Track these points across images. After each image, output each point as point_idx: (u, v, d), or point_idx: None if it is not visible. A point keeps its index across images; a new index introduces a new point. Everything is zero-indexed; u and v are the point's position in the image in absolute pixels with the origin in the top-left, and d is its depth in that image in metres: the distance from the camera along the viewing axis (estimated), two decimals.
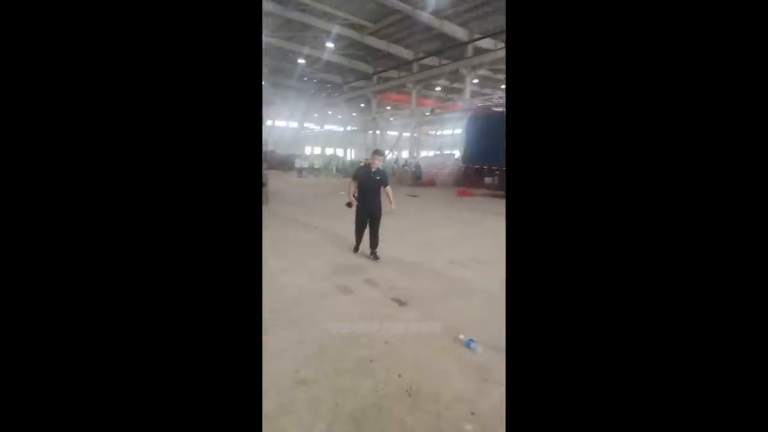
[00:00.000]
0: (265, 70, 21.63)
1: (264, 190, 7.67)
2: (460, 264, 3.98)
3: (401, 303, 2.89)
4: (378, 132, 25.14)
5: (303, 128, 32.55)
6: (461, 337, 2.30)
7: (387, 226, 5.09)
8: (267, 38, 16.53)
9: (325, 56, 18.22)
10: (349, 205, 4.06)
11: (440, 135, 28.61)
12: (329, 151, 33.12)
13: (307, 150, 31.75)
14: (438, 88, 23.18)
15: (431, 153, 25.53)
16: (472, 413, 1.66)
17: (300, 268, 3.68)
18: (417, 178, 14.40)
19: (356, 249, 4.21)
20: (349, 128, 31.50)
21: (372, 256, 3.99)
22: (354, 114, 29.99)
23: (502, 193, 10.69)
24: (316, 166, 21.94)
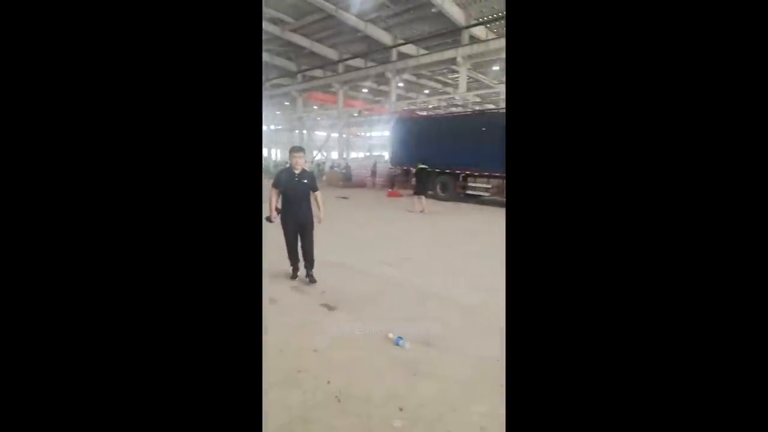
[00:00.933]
0: None
1: None
2: (389, 264, 4.05)
3: (330, 308, 2.84)
4: (305, 132, 24.46)
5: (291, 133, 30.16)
6: (390, 335, 2.33)
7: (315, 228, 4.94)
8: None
9: None
10: (269, 219, 3.16)
11: (369, 137, 28.95)
12: None
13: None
14: (365, 90, 23.43)
15: (361, 154, 25.70)
16: (401, 409, 1.68)
17: None
18: (347, 180, 14.36)
19: (294, 275, 3.38)
20: (273, 127, 30.01)
21: (308, 279, 3.29)
22: (278, 112, 28.70)
23: (430, 192, 11.26)
24: None
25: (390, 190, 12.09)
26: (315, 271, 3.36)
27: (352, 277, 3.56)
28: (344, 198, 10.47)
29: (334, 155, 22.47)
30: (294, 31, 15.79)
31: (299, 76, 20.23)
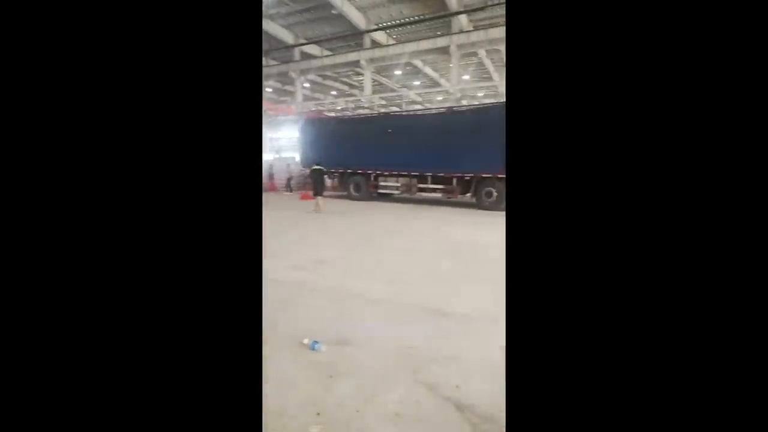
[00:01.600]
0: None
1: None
2: (301, 268, 3.94)
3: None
4: None
5: None
6: (305, 341, 2.27)
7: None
8: None
9: None
10: None
11: (277, 138, 27.66)
12: None
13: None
14: (269, 90, 22.32)
15: (270, 156, 24.36)
16: (318, 413, 1.66)
17: None
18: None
19: None
20: None
21: None
22: None
23: (344, 193, 11.28)
24: None
25: (303, 192, 11.76)
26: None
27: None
28: None
29: None
30: None
31: None
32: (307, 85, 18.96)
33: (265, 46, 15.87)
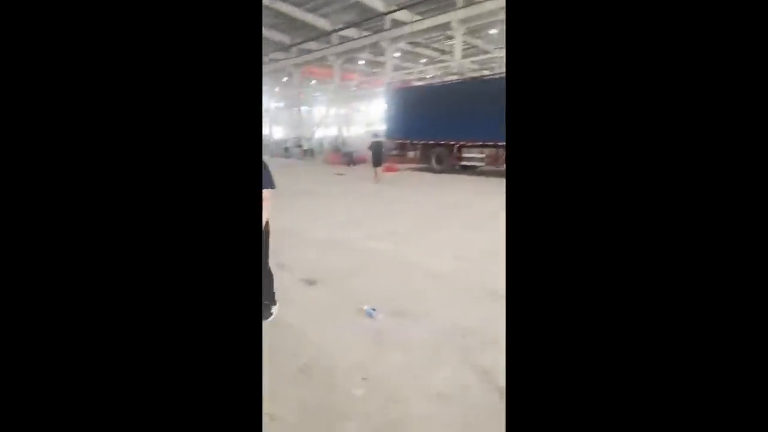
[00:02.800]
0: None
1: None
2: (376, 238, 4.09)
3: (310, 283, 2.90)
4: (305, 108, 24.04)
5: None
6: (364, 307, 2.39)
7: (302, 208, 4.97)
8: None
9: None
10: None
11: (369, 111, 28.38)
12: None
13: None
14: (362, 62, 22.71)
15: (362, 129, 25.26)
16: (364, 378, 1.75)
17: None
18: (346, 156, 14.20)
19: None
20: (274, 105, 29.48)
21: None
22: (276, 89, 28.10)
23: (425, 165, 11.13)
24: None
25: (385, 164, 11.97)
26: (299, 248, 3.45)
27: (339, 252, 3.61)
28: (341, 174, 10.44)
29: (334, 131, 22.16)
30: (283, 0, 15.15)
31: (294, 49, 19.61)
32: (397, 54, 18.67)
33: (357, 17, 16.02)
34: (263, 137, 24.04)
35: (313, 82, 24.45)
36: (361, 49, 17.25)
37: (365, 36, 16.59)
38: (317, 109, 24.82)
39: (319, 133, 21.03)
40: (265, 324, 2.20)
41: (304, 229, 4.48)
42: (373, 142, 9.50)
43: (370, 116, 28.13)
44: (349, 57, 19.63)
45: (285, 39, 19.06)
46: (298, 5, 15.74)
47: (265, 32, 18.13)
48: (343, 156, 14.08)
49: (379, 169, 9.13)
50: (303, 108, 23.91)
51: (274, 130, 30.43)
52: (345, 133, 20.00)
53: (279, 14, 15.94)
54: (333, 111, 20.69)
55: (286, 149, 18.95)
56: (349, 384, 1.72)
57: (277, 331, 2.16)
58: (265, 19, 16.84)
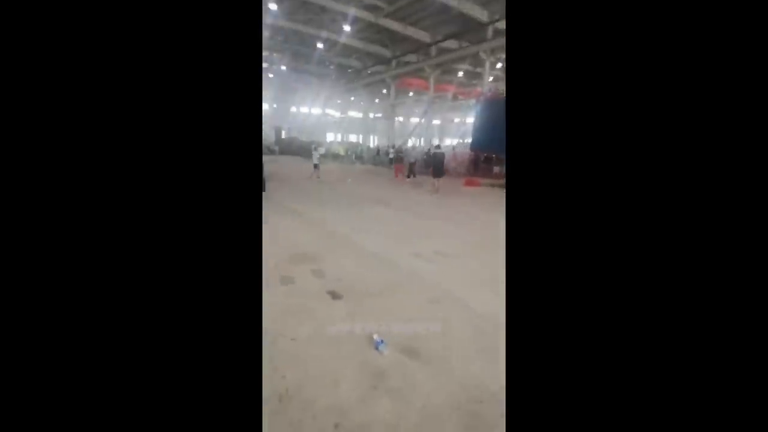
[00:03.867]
0: (285, 55, 21.65)
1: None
2: (423, 257, 3.76)
3: (335, 296, 2.75)
4: (401, 119, 24.67)
5: (325, 114, 32.58)
6: (375, 337, 2.13)
7: (367, 216, 4.92)
8: (285, 23, 16.46)
9: (343, 40, 17.92)
10: None
11: (464, 123, 27.69)
12: (353, 138, 33.04)
13: (329, 137, 31.78)
14: (460, 74, 22.28)
15: (455, 141, 24.79)
16: (336, 425, 1.50)
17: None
18: (427, 166, 13.92)
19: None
20: (372, 115, 31.07)
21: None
22: (377, 100, 29.52)
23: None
24: (341, 153, 21.81)
25: (467, 178, 11.31)
26: (344, 257, 3.32)
27: (373, 266, 3.40)
28: (407, 183, 10.27)
29: (423, 142, 22.15)
30: (387, 16, 15.79)
31: (393, 62, 20.30)
32: (499, 65, 17.75)
33: (458, 27, 15.75)
34: (360, 144, 25.86)
35: (411, 94, 24.92)
36: (460, 60, 16.87)
37: (464, 47, 16.20)
38: (413, 120, 25.19)
39: (410, 143, 21.24)
40: (266, 339, 2.11)
41: (348, 235, 4.41)
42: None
43: (462, 128, 27.43)
44: (447, 68, 19.41)
45: (386, 53, 19.88)
46: (400, 19, 16.24)
47: (367, 47, 19.21)
48: (409, 165, 13.77)
49: (438, 180, 9.02)
50: (398, 119, 24.54)
51: (371, 138, 32.12)
52: (434, 143, 19.84)
53: (382, 30, 16.69)
54: (425, 121, 20.64)
55: (374, 157, 19.64)
56: (317, 428, 1.49)
57: (278, 346, 2.06)
58: (367, 34, 17.86)
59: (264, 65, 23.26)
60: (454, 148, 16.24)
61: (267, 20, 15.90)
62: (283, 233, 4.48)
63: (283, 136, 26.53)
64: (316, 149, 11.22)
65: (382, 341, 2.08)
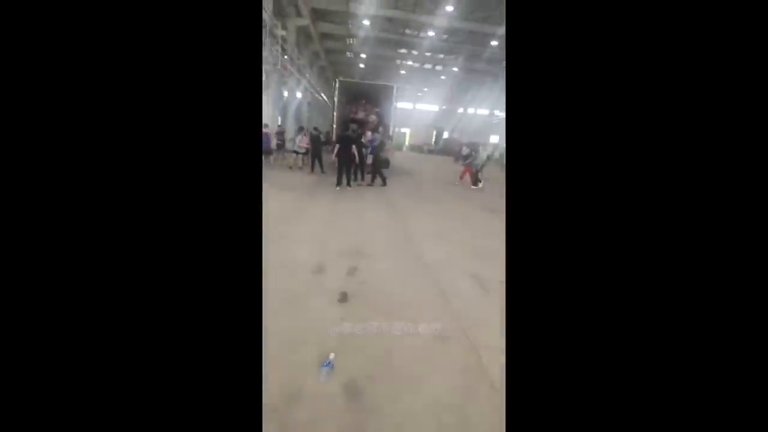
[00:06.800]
0: (459, 56, 21.67)
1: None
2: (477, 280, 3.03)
3: (341, 300, 2.54)
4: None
5: (492, 115, 31.10)
6: (332, 356, 1.84)
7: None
8: (460, 23, 16.42)
9: None
10: None
11: None
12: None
13: (493, 138, 30.22)
14: None
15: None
16: None
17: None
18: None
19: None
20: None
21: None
22: None
23: None
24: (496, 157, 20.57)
25: None
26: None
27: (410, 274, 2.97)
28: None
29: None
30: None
31: None
32: None
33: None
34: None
35: None
36: None
37: None
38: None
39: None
40: None
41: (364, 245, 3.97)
42: (465, 151, 9.77)
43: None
44: None
45: None
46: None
47: None
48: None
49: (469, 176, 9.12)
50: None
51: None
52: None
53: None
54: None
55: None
56: None
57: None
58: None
59: (437, 67, 23.98)
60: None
61: (443, 23, 16.22)
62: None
63: (445, 137, 26.93)
64: (470, 152, 9.66)
65: (330, 365, 1.77)
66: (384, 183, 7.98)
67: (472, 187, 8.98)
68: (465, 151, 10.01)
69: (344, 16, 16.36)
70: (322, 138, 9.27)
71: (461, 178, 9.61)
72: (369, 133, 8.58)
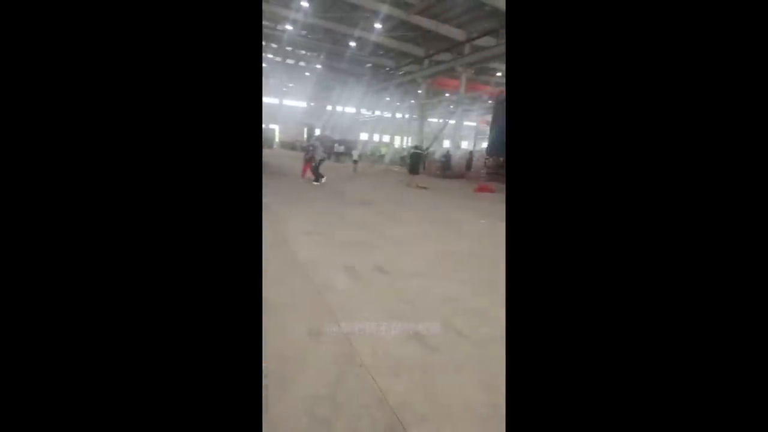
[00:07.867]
0: (320, 54, 21.98)
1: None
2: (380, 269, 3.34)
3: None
4: (439, 120, 24.09)
5: (359, 114, 32.73)
6: None
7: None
8: (317, 20, 16.64)
9: (374, 38, 17.74)
10: None
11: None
12: (386, 138, 32.92)
13: (363, 136, 31.84)
14: (499, 74, 21.22)
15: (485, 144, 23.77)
16: None
17: None
18: (446, 169, 13.51)
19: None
20: (407, 116, 30.71)
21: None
22: (412, 101, 29.08)
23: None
24: (381, 153, 21.78)
25: (481, 183, 10.53)
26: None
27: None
28: (423, 188, 9.71)
29: (447, 144, 21.43)
30: (419, 13, 15.33)
31: (426, 61, 19.74)
32: None
33: (492, 24, 14.91)
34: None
35: (447, 94, 24.21)
36: (495, 58, 15.97)
37: (500, 45, 15.30)
38: (450, 122, 24.49)
39: (436, 146, 20.65)
40: None
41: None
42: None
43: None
44: (482, 68, 18.52)
45: (419, 51, 19.40)
46: (433, 17, 15.72)
47: (400, 45, 18.87)
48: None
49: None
50: (431, 120, 23.95)
51: (403, 139, 31.73)
52: (456, 146, 19.09)
53: (414, 27, 16.28)
54: (455, 122, 19.82)
55: (402, 158, 19.34)
56: None
57: None
58: (399, 33, 17.52)
59: (300, 63, 23.79)
60: (470, 152, 15.64)
61: (299, 17, 16.18)
62: None
63: (317, 134, 27.02)
64: (310, 149, 9.50)
65: None
66: None
67: (314, 183, 8.89)
68: (309, 149, 9.59)
69: None
70: None
71: (303, 174, 9.54)
72: None
